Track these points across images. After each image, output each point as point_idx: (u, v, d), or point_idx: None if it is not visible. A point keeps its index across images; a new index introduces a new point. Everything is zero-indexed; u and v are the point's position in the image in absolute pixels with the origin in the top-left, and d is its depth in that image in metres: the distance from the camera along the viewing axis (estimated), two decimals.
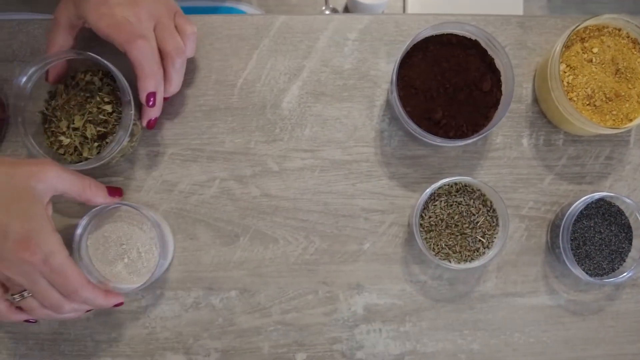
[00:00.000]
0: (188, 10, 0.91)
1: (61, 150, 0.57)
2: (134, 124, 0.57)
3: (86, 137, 0.56)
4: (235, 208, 0.61)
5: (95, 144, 0.56)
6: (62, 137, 0.56)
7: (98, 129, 0.56)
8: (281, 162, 0.61)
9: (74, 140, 0.56)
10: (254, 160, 0.61)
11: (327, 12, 0.98)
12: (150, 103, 0.55)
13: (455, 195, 0.58)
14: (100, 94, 0.56)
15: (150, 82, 0.54)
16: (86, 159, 0.56)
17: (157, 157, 0.61)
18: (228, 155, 0.61)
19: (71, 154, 0.56)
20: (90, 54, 0.54)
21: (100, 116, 0.56)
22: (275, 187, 0.61)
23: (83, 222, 0.56)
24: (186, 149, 0.61)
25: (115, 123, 0.56)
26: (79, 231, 0.56)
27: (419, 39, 0.56)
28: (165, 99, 0.57)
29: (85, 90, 0.57)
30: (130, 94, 0.54)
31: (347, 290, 0.61)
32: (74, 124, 0.56)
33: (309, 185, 0.61)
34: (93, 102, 0.56)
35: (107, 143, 0.56)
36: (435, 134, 0.55)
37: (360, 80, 0.61)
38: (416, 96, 0.56)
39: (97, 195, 0.55)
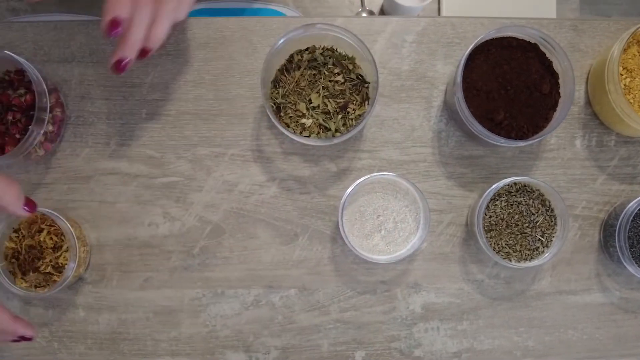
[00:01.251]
0: (228, 12, 0.92)
1: (306, 133, 0.58)
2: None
3: (328, 113, 0.58)
4: (294, 208, 0.62)
5: (339, 117, 0.58)
6: (303, 120, 0.58)
7: (337, 101, 0.58)
8: (339, 163, 0.62)
9: (317, 119, 0.58)
10: (313, 160, 0.62)
11: (364, 14, 0.99)
12: (113, 32, 0.46)
13: (515, 195, 0.59)
14: (327, 67, 0.59)
15: (121, 5, 0.45)
16: (334, 132, 0.58)
17: (218, 158, 0.63)
18: (287, 156, 0.62)
19: (317, 133, 0.58)
20: None
21: (338, 87, 0.58)
22: (334, 186, 0.62)
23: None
24: (246, 149, 0.62)
25: (351, 91, 0.58)
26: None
27: (481, 42, 0.57)
28: (146, 51, 0.49)
29: (311, 68, 0.59)
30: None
31: (405, 289, 0.62)
32: (312, 102, 0.58)
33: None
34: (323, 78, 0.58)
35: (347, 113, 0.58)
36: (497, 134, 0.57)
37: (418, 82, 0.63)
38: (478, 97, 0.58)
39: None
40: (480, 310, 0.62)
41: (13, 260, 0.59)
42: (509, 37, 0.58)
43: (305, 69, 0.60)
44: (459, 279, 0.62)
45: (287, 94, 0.60)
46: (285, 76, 0.60)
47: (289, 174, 0.62)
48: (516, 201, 0.59)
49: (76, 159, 0.63)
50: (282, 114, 0.59)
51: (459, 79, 0.56)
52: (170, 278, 0.62)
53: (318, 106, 0.59)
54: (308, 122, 0.59)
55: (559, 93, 0.59)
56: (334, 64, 0.60)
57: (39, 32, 0.64)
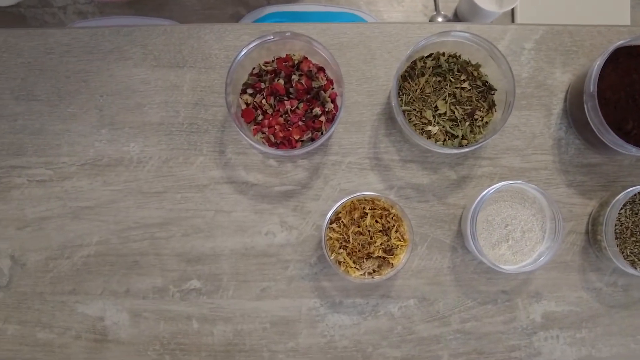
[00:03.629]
0: (302, 16, 0.92)
1: (431, 140, 0.58)
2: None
3: (455, 120, 0.58)
4: (412, 216, 0.62)
5: (467, 124, 0.58)
6: (429, 127, 0.58)
7: (464, 108, 0.58)
8: (459, 170, 0.63)
9: (444, 126, 0.58)
10: (432, 168, 0.62)
11: (439, 18, 0.99)
12: None
13: (639, 204, 0.60)
14: (453, 74, 0.59)
15: None
16: (461, 140, 0.58)
17: (335, 166, 0.62)
18: (405, 163, 0.62)
19: (444, 141, 0.58)
20: None
21: (464, 94, 0.59)
22: (453, 195, 0.63)
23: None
24: (364, 157, 0.62)
25: (477, 97, 0.59)
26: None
27: (610, 51, 0.58)
28: None
29: (436, 74, 0.59)
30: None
31: (526, 299, 0.63)
32: (438, 109, 0.58)
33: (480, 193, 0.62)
34: (449, 85, 0.58)
35: (475, 120, 0.59)
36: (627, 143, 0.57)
37: (537, 89, 0.63)
38: (606, 106, 0.58)
39: None
40: (599, 318, 0.63)
41: (341, 250, 0.58)
42: (638, 46, 0.59)
43: (430, 75, 0.60)
44: (578, 287, 0.63)
45: (411, 100, 0.60)
46: (409, 83, 0.60)
47: (407, 182, 0.62)
48: None
49: (190, 167, 0.63)
50: (408, 119, 0.59)
51: (591, 88, 0.56)
52: (287, 287, 0.62)
53: (445, 113, 0.59)
54: (434, 129, 0.59)
55: None
56: (459, 71, 0.60)
57: (148, 36, 0.63)
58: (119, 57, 0.63)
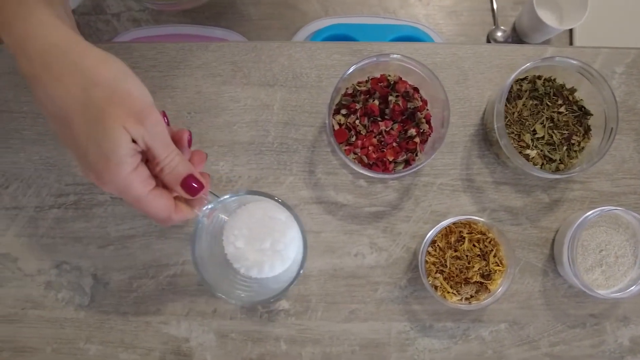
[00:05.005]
0: (369, 29, 0.91)
1: (530, 163, 0.59)
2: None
3: (552, 144, 0.58)
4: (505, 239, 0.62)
5: (564, 148, 0.59)
6: (527, 151, 0.58)
7: (561, 132, 0.58)
8: (552, 194, 0.63)
9: (542, 150, 0.58)
10: (525, 191, 0.62)
11: (499, 32, 0.99)
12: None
13: None
14: (550, 97, 0.59)
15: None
16: (558, 164, 0.58)
17: (426, 187, 0.62)
18: (498, 185, 0.62)
19: (542, 165, 0.59)
20: None
21: (562, 118, 0.59)
22: (546, 218, 0.63)
23: None
24: (456, 179, 0.62)
25: (573, 122, 0.59)
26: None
27: None
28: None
29: (532, 98, 0.59)
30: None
31: (614, 322, 0.63)
32: (536, 133, 0.58)
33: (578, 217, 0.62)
34: (546, 109, 0.59)
35: (571, 145, 0.59)
36: None
37: (628, 113, 0.63)
38: None
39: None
40: None
41: (437, 275, 0.58)
42: None
43: (527, 99, 0.60)
44: None
45: (508, 124, 0.59)
46: (506, 106, 0.60)
47: (500, 205, 0.62)
48: None
49: (280, 187, 0.62)
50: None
51: None
52: (377, 310, 0.62)
53: (542, 137, 0.59)
54: (532, 152, 0.59)
55: None
56: (555, 95, 0.60)
57: (237, 52, 0.63)
58: (207, 74, 0.63)
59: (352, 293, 0.62)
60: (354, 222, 0.62)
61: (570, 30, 1.00)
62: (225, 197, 0.51)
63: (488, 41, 1.00)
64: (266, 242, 0.56)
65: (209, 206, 0.50)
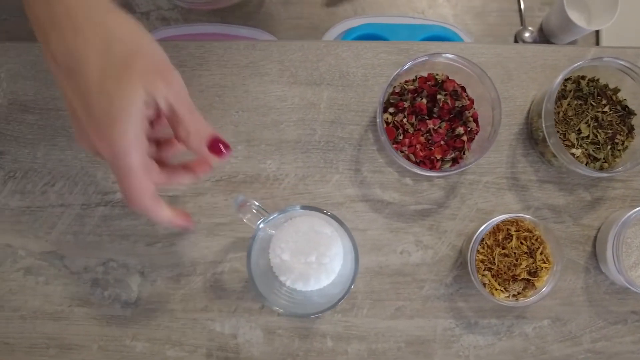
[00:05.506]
0: (399, 29, 0.92)
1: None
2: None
3: (597, 143, 0.59)
4: (550, 237, 0.63)
5: (608, 147, 0.60)
6: (573, 150, 0.59)
7: (605, 131, 0.59)
8: (594, 192, 0.64)
9: (587, 149, 0.59)
10: (568, 189, 0.63)
11: (526, 33, 1.01)
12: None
13: None
14: (594, 97, 0.60)
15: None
16: (602, 162, 0.60)
17: (472, 185, 0.63)
18: (542, 184, 0.63)
19: (587, 163, 0.60)
20: None
21: (606, 118, 0.60)
22: (588, 216, 0.64)
23: None
24: (501, 177, 0.63)
25: (617, 121, 0.60)
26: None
27: None
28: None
29: (577, 98, 0.60)
30: None
31: None
32: (581, 132, 0.59)
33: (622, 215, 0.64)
34: (591, 108, 0.59)
35: (615, 144, 0.60)
36: None
37: None
38: None
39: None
40: None
41: (486, 272, 0.59)
42: None
43: (571, 98, 0.61)
44: None
45: (554, 123, 0.60)
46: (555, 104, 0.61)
47: (543, 203, 0.63)
48: None
49: (326, 185, 0.63)
50: (548, 143, 0.60)
51: None
52: (422, 307, 0.63)
53: (587, 136, 0.60)
54: (577, 152, 0.60)
55: None
56: (599, 95, 0.61)
57: (284, 52, 0.63)
58: (255, 73, 0.63)
59: (397, 290, 0.63)
60: (399, 220, 0.63)
61: (597, 31, 1.02)
62: (275, 215, 0.53)
63: (516, 41, 1.01)
64: (312, 256, 0.57)
65: (263, 221, 0.52)
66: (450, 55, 0.56)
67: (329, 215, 0.53)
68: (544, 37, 1.03)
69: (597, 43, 1.01)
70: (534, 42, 0.99)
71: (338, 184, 0.63)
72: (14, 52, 0.64)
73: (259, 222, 0.52)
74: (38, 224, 0.63)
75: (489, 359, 0.63)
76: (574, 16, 0.93)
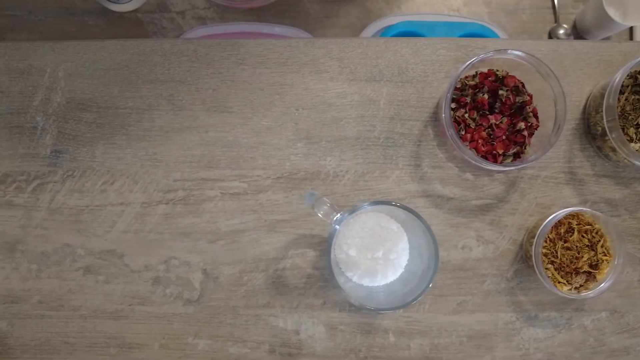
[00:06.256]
0: (436, 26, 0.93)
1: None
2: None
3: None
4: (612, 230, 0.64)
5: None
6: (632, 144, 0.60)
7: None
8: None
9: None
10: (623, 183, 0.64)
11: (561, 31, 1.02)
12: None
13: None
14: None
15: None
16: None
17: (531, 180, 0.64)
18: (599, 178, 0.64)
19: None
20: None
21: None
22: None
23: None
24: (559, 171, 0.64)
25: None
26: None
27: None
28: None
29: (634, 93, 0.61)
30: None
31: None
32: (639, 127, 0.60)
33: None
34: None
35: None
36: None
37: None
38: None
39: None
40: None
41: (549, 265, 0.60)
42: None
43: (629, 93, 0.62)
44: None
45: (615, 117, 0.61)
46: (609, 101, 0.62)
47: (600, 197, 0.64)
48: None
49: (386, 181, 0.63)
50: (607, 138, 0.61)
51: None
52: (484, 302, 0.63)
53: None
54: (636, 146, 0.61)
55: None
56: None
57: (343, 49, 0.64)
58: (314, 70, 0.64)
59: (459, 285, 0.63)
60: (460, 215, 0.63)
61: (630, 27, 1.03)
62: (360, 207, 0.53)
63: (550, 38, 1.02)
64: (379, 252, 0.58)
65: (338, 216, 0.52)
66: (518, 53, 0.57)
67: (412, 213, 0.53)
68: (577, 33, 1.05)
69: (631, 38, 1.03)
70: (569, 39, 1.01)
71: (398, 179, 0.63)
72: (71, 51, 0.64)
73: (334, 217, 0.53)
74: (97, 223, 0.63)
75: (548, 352, 0.64)
76: (611, 12, 0.94)
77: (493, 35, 0.91)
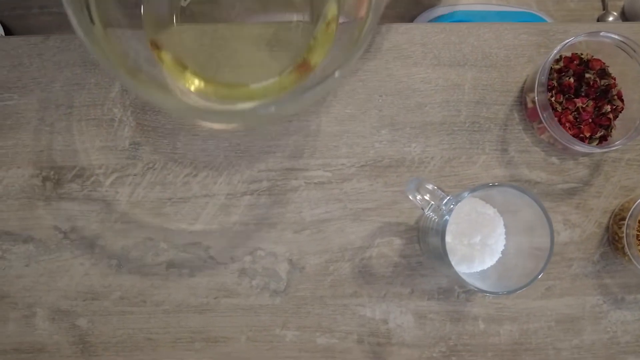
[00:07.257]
0: (486, 16, 0.93)
1: None
2: None
3: None
4: None
5: None
6: None
7: None
8: None
9: None
10: None
11: (610, 18, 1.02)
12: None
13: None
14: None
15: None
16: None
17: (615, 163, 0.64)
18: None
19: None
20: None
21: None
22: None
23: None
24: None
25: None
26: None
27: None
28: None
29: None
30: None
31: None
32: None
33: None
34: None
35: None
36: None
37: None
38: None
39: None
40: None
41: (639, 247, 0.60)
42: None
43: None
44: None
45: None
46: None
47: None
48: None
49: (473, 167, 0.63)
50: None
51: None
52: (571, 286, 0.63)
53: None
54: None
55: None
56: None
57: (426, 35, 0.64)
58: (398, 56, 0.63)
59: (548, 270, 0.63)
60: (547, 199, 0.63)
61: None
62: (467, 192, 0.51)
63: None
64: (475, 237, 0.57)
65: (447, 201, 0.51)
66: (611, 35, 0.57)
67: (528, 195, 0.52)
68: (626, 20, 1.05)
69: None
70: None
71: (485, 165, 0.63)
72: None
73: (443, 202, 0.52)
74: (180, 216, 0.63)
75: (635, 334, 0.64)
76: None
77: None
